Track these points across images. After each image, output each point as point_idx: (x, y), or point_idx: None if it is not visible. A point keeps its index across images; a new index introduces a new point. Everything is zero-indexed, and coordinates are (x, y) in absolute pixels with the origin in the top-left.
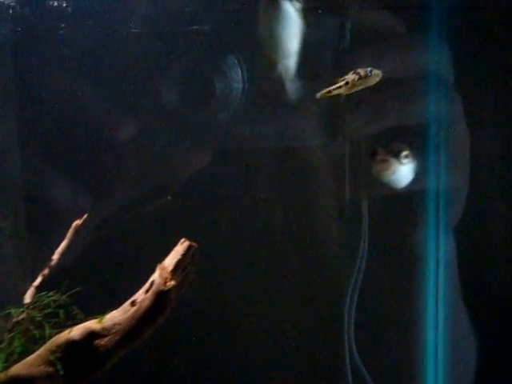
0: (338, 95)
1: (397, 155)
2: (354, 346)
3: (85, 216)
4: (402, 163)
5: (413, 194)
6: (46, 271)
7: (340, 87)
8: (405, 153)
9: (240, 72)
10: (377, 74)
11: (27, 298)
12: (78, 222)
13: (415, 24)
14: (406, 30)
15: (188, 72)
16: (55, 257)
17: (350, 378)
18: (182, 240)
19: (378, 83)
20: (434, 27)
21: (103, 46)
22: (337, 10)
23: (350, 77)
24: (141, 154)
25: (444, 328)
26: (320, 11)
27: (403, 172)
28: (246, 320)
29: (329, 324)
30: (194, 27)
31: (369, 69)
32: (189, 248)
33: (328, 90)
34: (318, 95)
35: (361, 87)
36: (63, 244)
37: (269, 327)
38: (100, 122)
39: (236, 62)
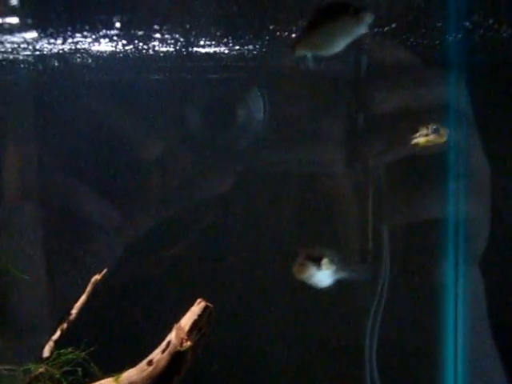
0: None
1: (316, 261)
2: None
3: (104, 271)
4: (320, 269)
5: (433, 225)
6: (64, 325)
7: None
8: (325, 260)
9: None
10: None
11: (46, 353)
12: (97, 276)
13: (433, 59)
14: (424, 65)
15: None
16: (74, 311)
17: None
18: (199, 300)
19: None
20: (452, 63)
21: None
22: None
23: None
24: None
25: (463, 360)
26: None
27: (321, 276)
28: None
29: (351, 356)
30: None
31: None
32: (205, 308)
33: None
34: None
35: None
36: (82, 298)
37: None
38: (131, 147)
39: (258, 94)
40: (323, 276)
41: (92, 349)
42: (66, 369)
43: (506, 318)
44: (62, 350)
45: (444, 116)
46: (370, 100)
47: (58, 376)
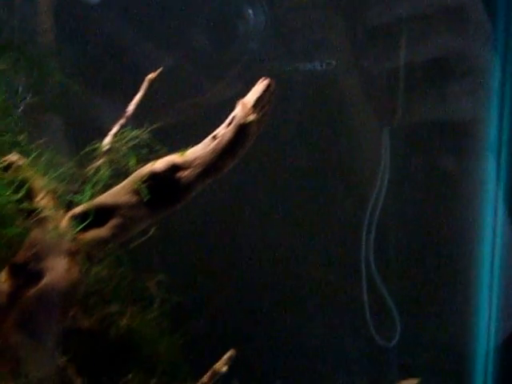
0: None
1: None
2: None
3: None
4: None
5: None
6: (122, 121)
7: None
8: None
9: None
10: None
11: (110, 135)
12: (152, 74)
13: None
14: None
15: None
16: (131, 108)
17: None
18: (262, 79)
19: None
20: None
21: None
22: None
23: None
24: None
25: None
26: None
27: None
28: None
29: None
30: None
31: None
32: (268, 86)
33: None
34: None
35: None
36: (138, 96)
37: None
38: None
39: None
40: None
41: (156, 126)
42: (132, 143)
43: None
44: (127, 128)
45: None
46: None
47: (124, 151)
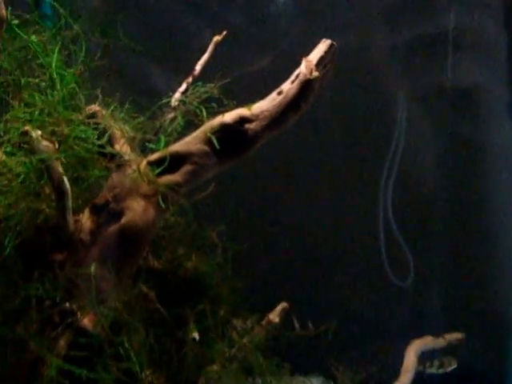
0: None
1: None
2: None
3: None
4: None
5: None
6: (189, 79)
7: None
8: None
9: None
10: None
11: (179, 92)
12: (217, 36)
13: None
14: None
15: None
16: (198, 68)
17: None
18: (324, 40)
19: None
20: None
21: None
22: None
23: None
24: None
25: None
26: None
27: None
28: None
29: None
30: None
31: None
32: (330, 46)
33: None
34: None
35: None
36: (205, 56)
37: None
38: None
39: None
40: None
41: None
42: (203, 97)
43: None
44: (197, 84)
45: None
46: None
47: (195, 106)
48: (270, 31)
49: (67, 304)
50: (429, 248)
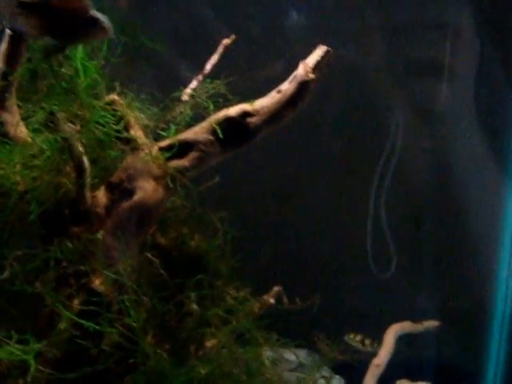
0: None
1: None
2: None
3: (232, 37)
4: None
5: None
6: (200, 77)
7: None
8: None
9: None
10: None
11: (190, 88)
12: (226, 40)
13: None
14: None
15: None
16: (208, 67)
17: None
18: (321, 45)
19: None
20: None
21: None
22: None
23: None
24: None
25: None
26: None
27: None
28: None
29: None
30: None
31: None
32: (327, 52)
33: None
34: None
35: None
36: (214, 57)
37: None
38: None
39: None
40: None
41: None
42: (211, 92)
43: None
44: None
45: None
46: None
47: (203, 100)
48: (283, 40)
49: (81, 266)
50: (415, 248)
